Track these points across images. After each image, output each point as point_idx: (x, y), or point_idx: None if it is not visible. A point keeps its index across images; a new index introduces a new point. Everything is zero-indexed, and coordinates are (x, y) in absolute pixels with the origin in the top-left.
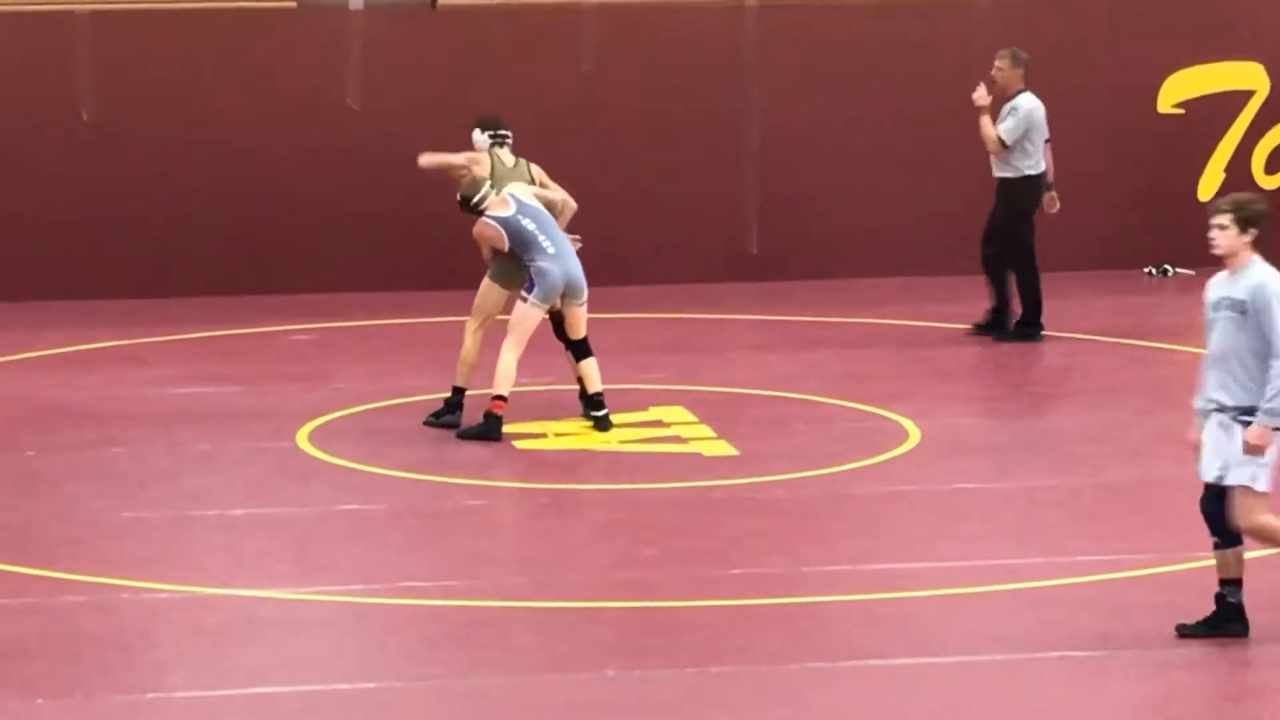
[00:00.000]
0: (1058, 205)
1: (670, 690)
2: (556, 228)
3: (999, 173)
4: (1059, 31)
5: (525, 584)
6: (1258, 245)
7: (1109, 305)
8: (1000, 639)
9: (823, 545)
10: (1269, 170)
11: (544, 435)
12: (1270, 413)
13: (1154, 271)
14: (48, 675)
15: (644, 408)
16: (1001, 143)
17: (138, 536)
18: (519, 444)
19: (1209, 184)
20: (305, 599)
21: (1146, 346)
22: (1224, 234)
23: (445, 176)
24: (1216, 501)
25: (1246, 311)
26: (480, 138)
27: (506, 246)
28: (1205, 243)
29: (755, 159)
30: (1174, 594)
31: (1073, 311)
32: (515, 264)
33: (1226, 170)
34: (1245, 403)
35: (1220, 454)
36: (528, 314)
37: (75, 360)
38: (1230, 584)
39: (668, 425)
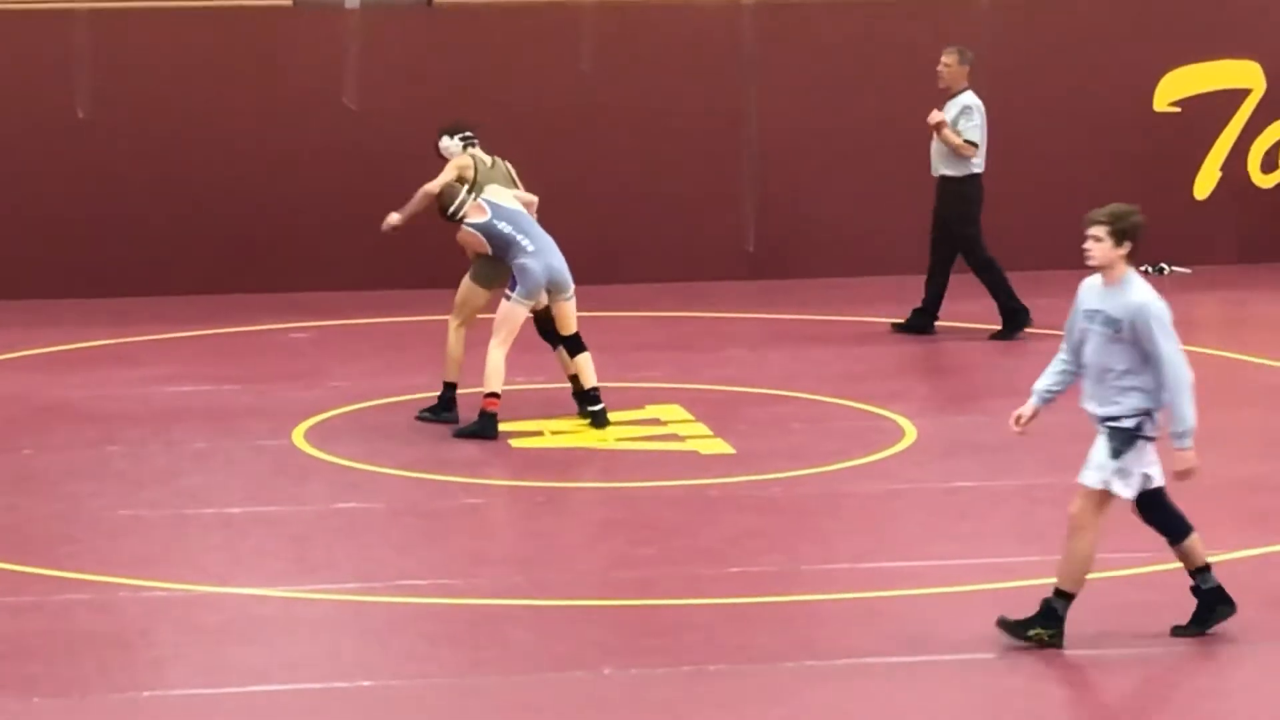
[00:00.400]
0: None
1: (667, 689)
2: (535, 225)
3: (946, 170)
4: (1057, 30)
5: (523, 582)
6: (1132, 256)
7: None
8: (997, 637)
9: (820, 544)
10: (1265, 169)
11: (540, 434)
12: (1180, 437)
13: (1150, 270)
14: (46, 674)
15: (640, 406)
16: (974, 145)
17: (136, 535)
18: (515, 442)
19: (1205, 182)
20: (303, 597)
21: None
22: (1099, 246)
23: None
24: (1148, 507)
25: (1122, 330)
26: (452, 143)
27: (490, 251)
28: (1202, 241)
29: (753, 158)
30: (1170, 592)
31: (1069, 310)
32: (497, 265)
33: (1222, 169)
34: (1113, 414)
35: (1093, 459)
36: (512, 311)
37: (72, 359)
38: (1200, 572)
39: (664, 423)
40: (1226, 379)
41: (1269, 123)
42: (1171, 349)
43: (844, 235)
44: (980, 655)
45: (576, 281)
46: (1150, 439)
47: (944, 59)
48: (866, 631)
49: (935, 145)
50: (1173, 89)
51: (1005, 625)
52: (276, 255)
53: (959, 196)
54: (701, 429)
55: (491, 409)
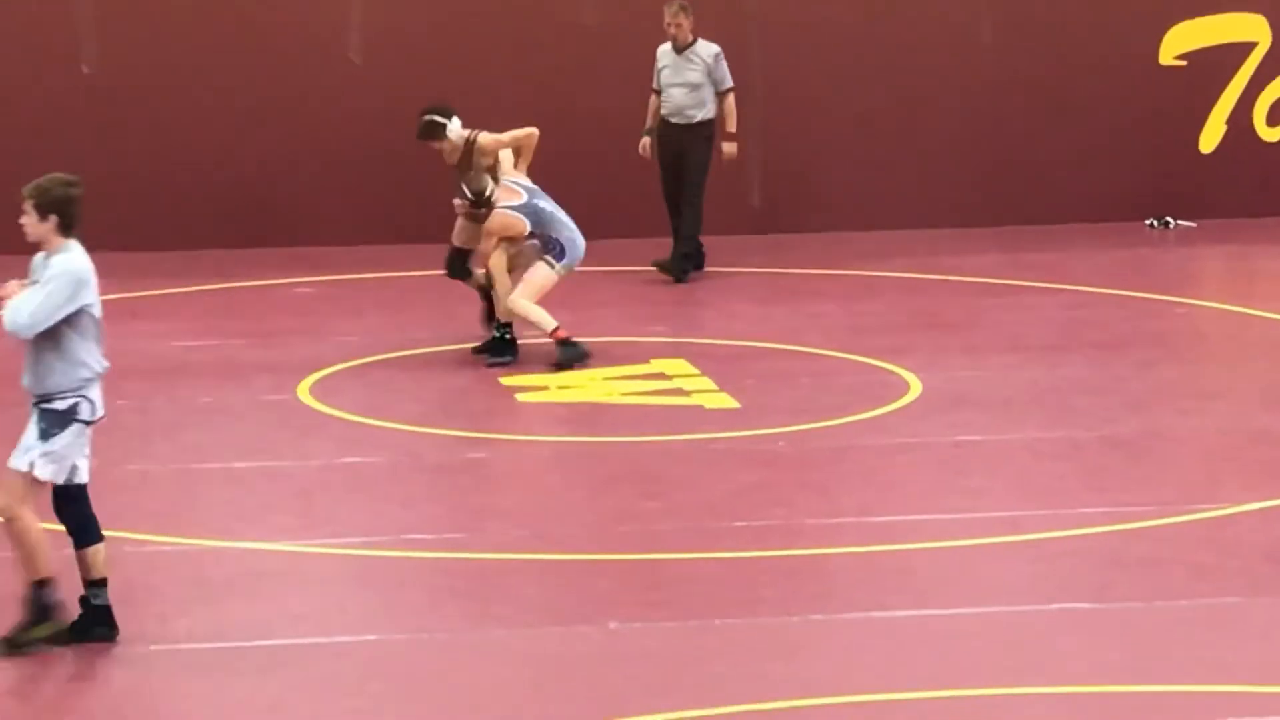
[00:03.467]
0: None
1: (673, 643)
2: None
3: (700, 116)
4: None
5: (528, 536)
6: (70, 229)
7: (1110, 258)
8: (1002, 591)
9: (825, 498)
10: (1270, 122)
11: (546, 388)
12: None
13: (1155, 223)
14: None
15: (646, 360)
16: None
17: (141, 490)
18: (521, 397)
19: (1210, 136)
20: (308, 551)
21: (1148, 299)
22: (28, 221)
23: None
24: (65, 501)
25: None
26: (459, 128)
27: (528, 230)
28: (1208, 195)
29: (758, 111)
30: (1175, 547)
31: (1074, 264)
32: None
33: (1228, 122)
34: (46, 392)
35: (23, 442)
36: (550, 279)
37: None
38: (95, 585)
39: (670, 378)
40: (1232, 333)
41: (1275, 76)
42: (42, 299)
43: (849, 189)
44: (985, 609)
45: (585, 235)
46: (87, 423)
47: (676, 19)
48: (871, 585)
49: (686, 94)
50: (1178, 42)
51: (8, 646)
52: (281, 210)
53: (708, 140)
54: (707, 383)
55: (563, 335)
